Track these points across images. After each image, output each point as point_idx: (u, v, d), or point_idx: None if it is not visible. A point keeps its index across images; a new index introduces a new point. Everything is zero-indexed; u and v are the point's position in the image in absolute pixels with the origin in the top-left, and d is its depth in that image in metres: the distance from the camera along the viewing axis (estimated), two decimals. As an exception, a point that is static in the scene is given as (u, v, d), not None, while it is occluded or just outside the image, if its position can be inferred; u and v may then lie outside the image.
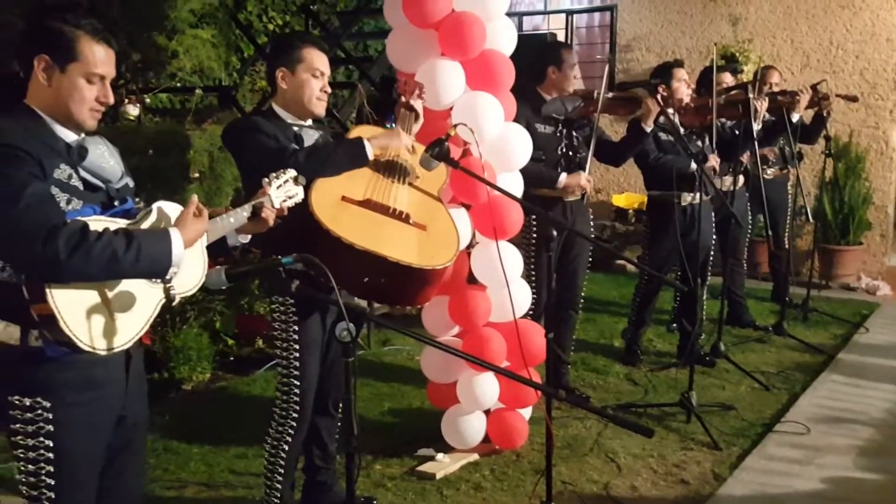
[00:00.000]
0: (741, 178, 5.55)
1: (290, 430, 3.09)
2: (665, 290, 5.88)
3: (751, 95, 4.91)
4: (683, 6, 8.38)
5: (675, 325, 5.56)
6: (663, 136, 4.94)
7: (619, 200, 8.61)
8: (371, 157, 3.02)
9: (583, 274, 4.71)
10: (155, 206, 2.19)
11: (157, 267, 2.05)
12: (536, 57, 4.49)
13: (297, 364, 3.07)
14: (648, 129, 4.61)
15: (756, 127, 4.98)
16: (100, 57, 2.10)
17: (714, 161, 4.94)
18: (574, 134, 4.47)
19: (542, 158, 4.29)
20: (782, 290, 6.26)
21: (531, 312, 4.04)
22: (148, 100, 6.04)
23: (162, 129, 5.51)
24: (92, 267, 1.93)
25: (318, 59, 3.03)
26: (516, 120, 3.94)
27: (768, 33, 8.02)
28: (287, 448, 3.11)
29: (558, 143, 4.39)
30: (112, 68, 2.15)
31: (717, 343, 5.15)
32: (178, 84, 6.28)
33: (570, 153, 4.43)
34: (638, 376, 5.09)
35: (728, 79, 5.64)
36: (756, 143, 4.94)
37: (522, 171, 3.96)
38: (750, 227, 6.19)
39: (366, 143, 3.01)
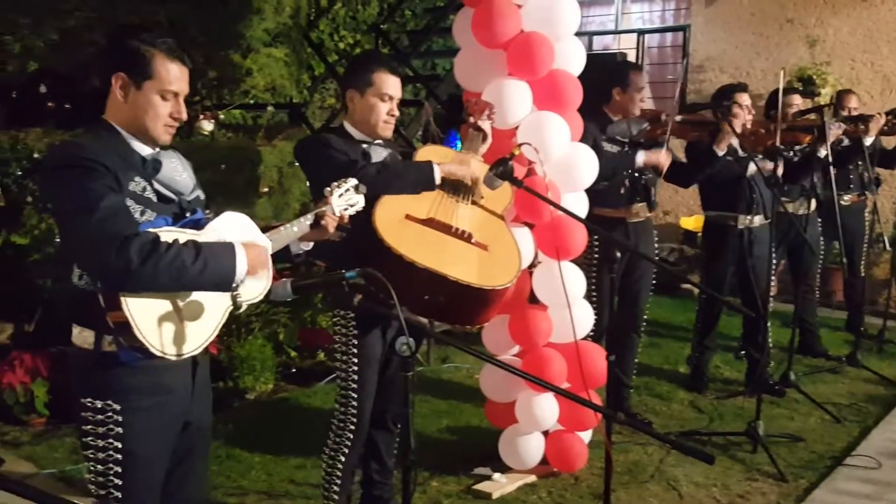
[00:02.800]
0: (813, 203, 5.41)
1: (347, 442, 3.13)
2: (732, 315, 5.76)
3: (826, 119, 4.79)
4: (759, 27, 8.24)
5: (742, 352, 5.44)
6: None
7: (688, 223, 8.46)
8: (438, 182, 3.05)
9: (646, 296, 4.65)
10: (222, 215, 2.26)
11: (223, 280, 2.11)
12: (604, 76, 4.47)
13: (355, 377, 3.11)
14: (721, 153, 4.55)
15: (823, 152, 4.86)
16: (174, 75, 2.18)
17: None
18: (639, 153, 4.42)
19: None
20: (856, 320, 6.06)
21: (591, 333, 4.01)
22: (222, 116, 6.20)
23: (234, 144, 5.67)
24: (161, 277, 2.00)
25: (386, 84, 3.06)
26: (584, 138, 3.92)
27: (847, 56, 7.82)
28: (344, 459, 3.14)
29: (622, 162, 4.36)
30: (186, 85, 2.23)
31: (787, 372, 5.01)
32: (251, 101, 6.44)
33: (636, 174, 4.39)
34: (703, 403, 4.98)
35: (797, 101, 5.50)
36: (831, 167, 4.81)
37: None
38: (822, 253, 6.01)
39: (435, 168, 3.04)
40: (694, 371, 5.28)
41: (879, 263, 7.54)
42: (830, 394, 5.12)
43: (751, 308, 4.82)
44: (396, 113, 3.13)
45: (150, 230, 2.06)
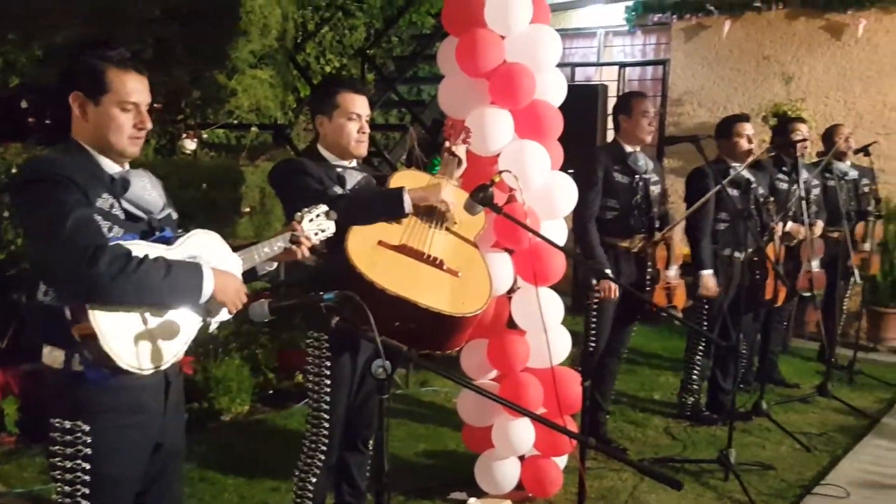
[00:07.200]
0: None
1: (318, 463, 3.13)
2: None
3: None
4: (737, 63, 8.40)
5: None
6: (732, 190, 4.77)
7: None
8: (409, 209, 3.04)
9: (634, 322, 4.77)
10: (192, 233, 2.27)
11: (188, 299, 2.14)
12: (613, 107, 4.64)
13: (327, 399, 3.11)
14: None
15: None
16: (130, 86, 2.18)
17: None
18: (650, 188, 4.47)
19: (616, 207, 4.36)
20: (828, 351, 6.14)
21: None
22: (205, 135, 6.21)
23: (217, 163, 5.67)
24: (130, 291, 2.01)
25: (352, 103, 3.09)
26: (595, 168, 4.25)
27: (821, 93, 7.99)
28: (315, 480, 3.14)
29: (633, 194, 4.42)
30: (146, 95, 2.22)
31: (759, 401, 5.07)
32: (235, 121, 6.46)
33: (644, 206, 4.46)
34: (677, 430, 5.02)
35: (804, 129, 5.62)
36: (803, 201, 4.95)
37: (586, 235, 4.27)
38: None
39: (405, 196, 3.03)
40: (695, 401, 5.23)
41: (850, 296, 7.64)
42: (802, 423, 5.18)
43: (726, 336, 4.89)
44: (367, 130, 3.14)
45: (122, 243, 2.06)
